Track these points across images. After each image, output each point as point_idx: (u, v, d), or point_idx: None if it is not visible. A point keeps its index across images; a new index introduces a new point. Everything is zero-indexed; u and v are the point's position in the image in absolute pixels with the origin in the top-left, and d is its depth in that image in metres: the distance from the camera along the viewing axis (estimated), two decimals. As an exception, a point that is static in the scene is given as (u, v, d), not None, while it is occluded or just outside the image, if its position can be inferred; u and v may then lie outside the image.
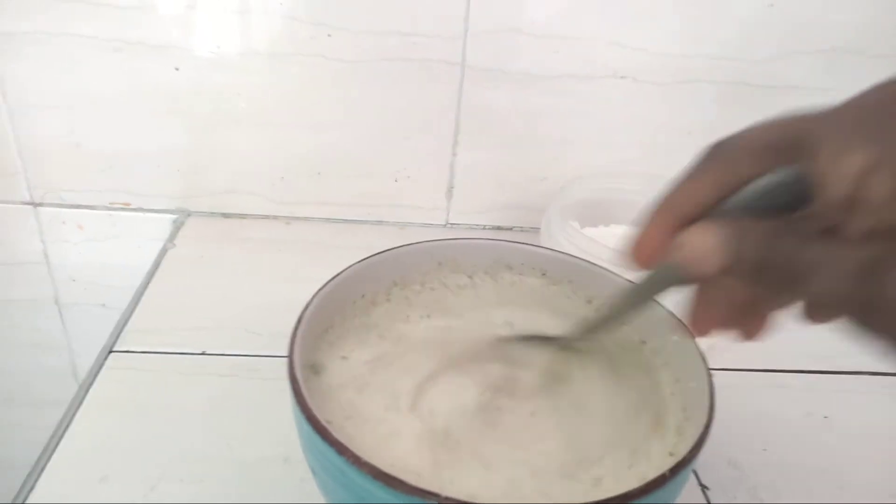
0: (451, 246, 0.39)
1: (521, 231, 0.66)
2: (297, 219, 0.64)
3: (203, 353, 0.47)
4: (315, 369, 0.33)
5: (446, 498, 0.23)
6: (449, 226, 0.66)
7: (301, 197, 0.63)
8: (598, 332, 0.33)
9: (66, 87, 0.57)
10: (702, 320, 0.28)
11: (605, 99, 0.59)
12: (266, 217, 0.64)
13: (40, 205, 0.63)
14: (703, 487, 0.40)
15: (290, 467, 0.39)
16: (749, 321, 0.27)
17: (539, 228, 0.55)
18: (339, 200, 0.64)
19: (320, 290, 0.33)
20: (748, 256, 0.22)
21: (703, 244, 0.23)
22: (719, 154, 0.24)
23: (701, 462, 0.41)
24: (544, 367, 0.35)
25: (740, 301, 0.27)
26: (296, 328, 0.30)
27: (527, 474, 0.29)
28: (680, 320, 0.33)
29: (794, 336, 0.53)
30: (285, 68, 0.57)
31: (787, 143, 0.22)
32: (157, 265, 0.57)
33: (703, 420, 0.27)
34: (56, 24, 0.54)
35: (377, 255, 0.36)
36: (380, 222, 0.65)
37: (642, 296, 0.29)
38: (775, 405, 0.47)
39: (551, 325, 0.37)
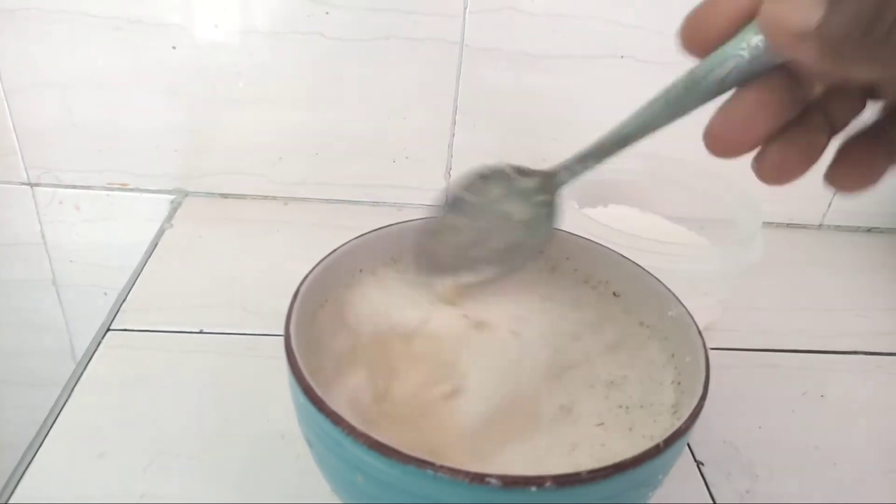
0: (448, 223, 0.39)
1: (520, 212, 0.65)
2: (295, 199, 0.64)
3: (201, 332, 0.47)
4: (311, 343, 0.32)
5: (441, 466, 0.23)
6: (447, 207, 0.65)
7: (299, 177, 0.63)
8: (623, 145, 0.29)
9: (63, 65, 0.56)
10: (738, 130, 0.22)
11: (605, 79, 0.59)
12: (264, 197, 0.64)
13: (37, 185, 0.62)
14: (699, 464, 0.40)
15: (286, 443, 0.39)
16: (791, 150, 0.22)
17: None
18: (337, 181, 0.64)
19: (317, 264, 0.33)
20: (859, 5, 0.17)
21: None
22: None
23: (696, 439, 0.42)
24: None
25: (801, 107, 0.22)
26: (292, 302, 0.31)
27: (522, 448, 0.29)
28: (675, 296, 0.33)
29: (791, 316, 0.54)
30: (283, 47, 0.57)
31: None
32: (154, 245, 0.57)
33: (699, 392, 0.27)
34: (54, 2, 0.54)
35: (374, 231, 0.36)
36: (378, 203, 0.65)
37: (679, 100, 0.24)
38: (771, 385, 0.47)
39: (545, 306, 0.37)
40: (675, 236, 0.54)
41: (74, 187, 0.62)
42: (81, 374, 0.43)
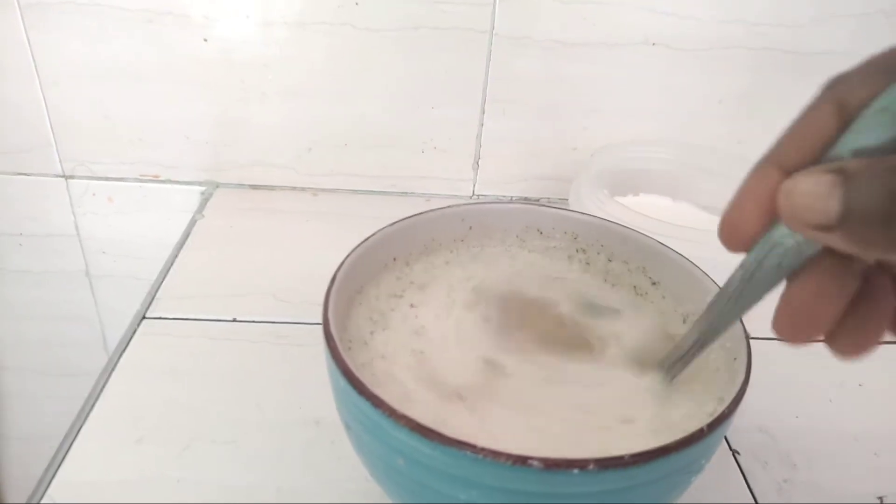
0: (482, 210, 0.39)
1: (549, 202, 0.65)
2: (324, 190, 0.65)
3: (234, 320, 0.48)
4: (348, 328, 0.33)
5: (482, 448, 0.23)
6: (476, 197, 0.65)
7: (328, 168, 0.63)
8: (690, 359, 0.28)
9: (97, 58, 0.57)
10: (805, 321, 0.21)
11: (636, 66, 0.58)
12: (293, 188, 0.64)
13: (71, 177, 0.63)
14: (734, 453, 0.40)
15: (320, 429, 0.39)
16: (865, 323, 0.22)
17: (567, 199, 0.55)
18: (365, 172, 0.64)
19: (353, 251, 0.33)
20: (875, 195, 0.17)
21: (815, 185, 0.18)
22: (830, 83, 0.20)
23: (732, 428, 0.41)
24: (577, 330, 0.34)
25: (853, 292, 0.21)
26: (330, 287, 0.31)
27: (563, 429, 0.29)
28: (715, 282, 0.33)
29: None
30: (313, 38, 0.57)
31: None
32: (186, 236, 0.57)
33: (741, 377, 0.27)
34: (86, -5, 0.54)
35: (409, 219, 0.36)
36: (406, 193, 0.65)
37: (742, 295, 0.24)
38: (808, 374, 0.46)
39: (583, 281, 0.37)
40: (707, 225, 0.53)
41: (107, 179, 0.63)
42: (118, 360, 0.43)
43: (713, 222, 0.56)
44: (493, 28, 0.56)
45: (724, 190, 0.58)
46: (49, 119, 0.60)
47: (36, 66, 0.57)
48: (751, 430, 0.41)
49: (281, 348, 0.45)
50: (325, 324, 0.29)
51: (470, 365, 0.32)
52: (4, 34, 0.56)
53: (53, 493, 0.35)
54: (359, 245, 0.34)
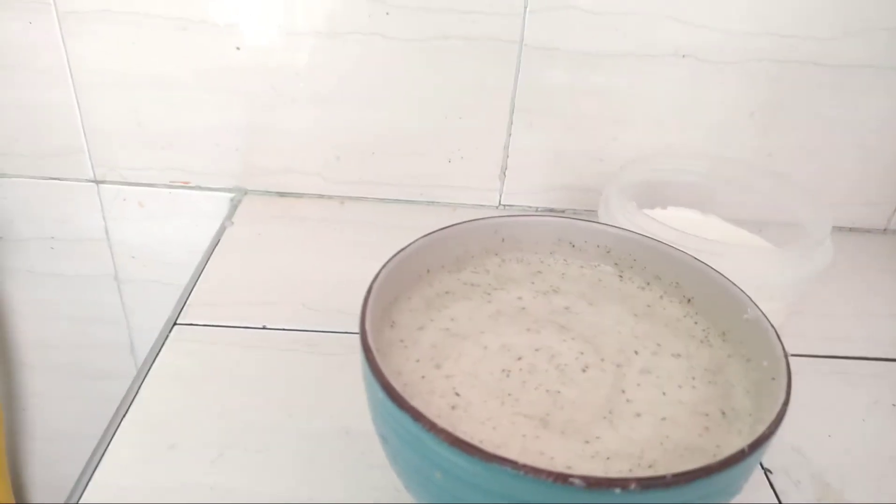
0: (515, 222, 0.39)
1: (576, 213, 0.65)
2: (352, 198, 0.65)
3: (264, 328, 0.48)
4: (382, 340, 0.33)
5: (523, 465, 0.23)
6: (502, 207, 0.65)
7: (355, 177, 0.64)
8: None
9: (131, 65, 0.58)
10: None
11: (666, 78, 0.58)
12: (321, 196, 0.65)
13: (102, 182, 0.64)
14: (766, 471, 0.39)
15: (351, 439, 0.39)
16: None
17: (594, 210, 0.54)
18: (392, 180, 0.64)
19: (388, 261, 0.33)
20: None
21: None
22: None
23: (764, 446, 0.41)
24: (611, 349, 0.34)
25: None
26: (366, 299, 0.31)
27: (598, 447, 0.29)
28: (750, 298, 0.33)
29: (860, 322, 0.53)
30: (343, 47, 0.57)
31: None
32: (215, 242, 0.58)
33: (781, 397, 0.27)
34: (122, 3, 0.55)
35: (443, 230, 0.36)
36: (432, 203, 0.65)
37: None
38: (841, 392, 0.46)
39: (615, 306, 0.37)
40: (736, 239, 0.53)
41: (138, 185, 0.64)
42: (150, 366, 0.44)
43: (743, 237, 0.55)
44: (523, 39, 0.56)
45: (754, 203, 0.57)
46: (82, 124, 0.61)
47: (71, 72, 0.58)
48: (784, 448, 0.41)
49: (311, 356, 0.46)
50: (363, 335, 0.29)
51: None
52: (42, 40, 0.57)
53: (89, 496, 0.35)
54: (394, 255, 0.34)
